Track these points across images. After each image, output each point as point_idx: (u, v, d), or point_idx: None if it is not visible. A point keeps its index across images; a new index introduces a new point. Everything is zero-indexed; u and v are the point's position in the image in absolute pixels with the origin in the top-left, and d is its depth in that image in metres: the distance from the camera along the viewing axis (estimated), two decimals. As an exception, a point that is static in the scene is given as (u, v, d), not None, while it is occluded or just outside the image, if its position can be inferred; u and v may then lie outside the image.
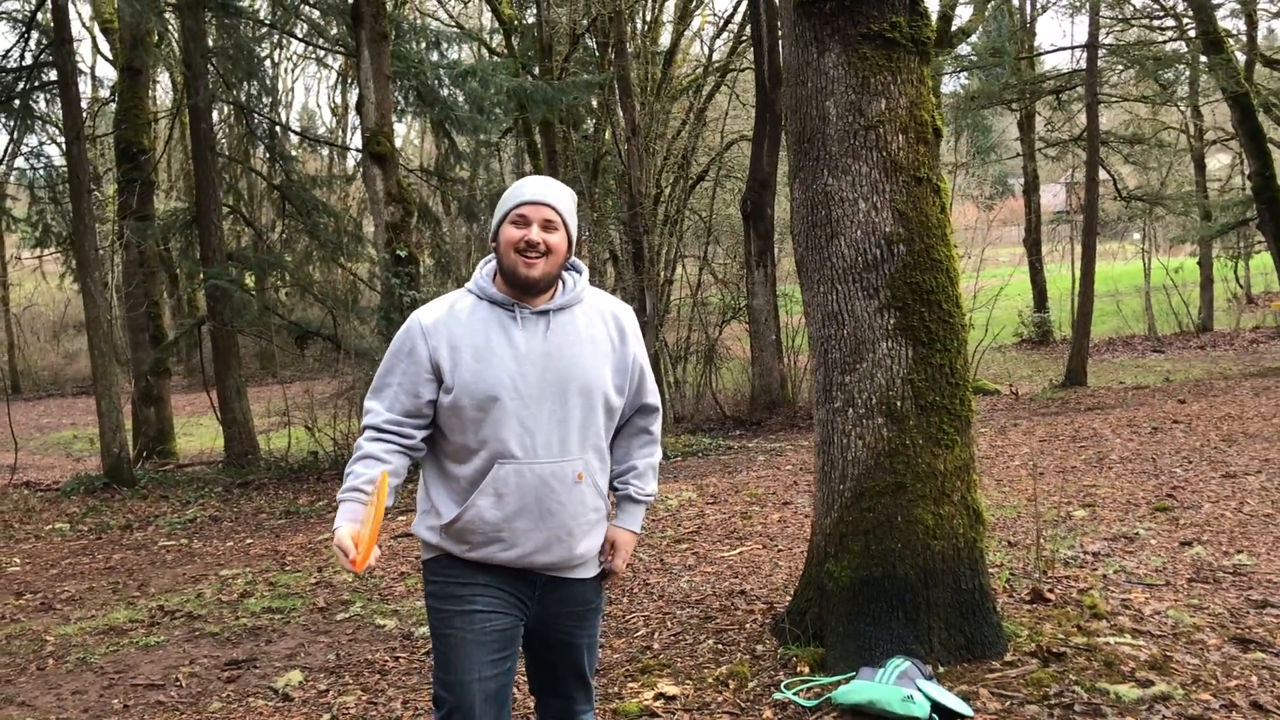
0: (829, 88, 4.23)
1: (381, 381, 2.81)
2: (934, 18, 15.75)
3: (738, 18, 23.86)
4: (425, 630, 5.42)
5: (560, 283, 2.86)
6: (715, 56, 25.17)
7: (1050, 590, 4.96)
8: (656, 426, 3.00)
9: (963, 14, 20.43)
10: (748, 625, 4.98)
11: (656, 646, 4.85)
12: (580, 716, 2.98)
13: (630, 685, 4.32)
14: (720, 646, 4.70)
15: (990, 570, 5.30)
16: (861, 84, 4.19)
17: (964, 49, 21.75)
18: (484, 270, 2.86)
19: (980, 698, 3.80)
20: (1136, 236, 33.03)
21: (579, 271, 2.91)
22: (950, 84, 25.04)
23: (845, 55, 4.20)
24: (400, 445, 2.77)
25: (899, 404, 4.22)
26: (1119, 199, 26.51)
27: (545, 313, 2.78)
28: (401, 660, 5.09)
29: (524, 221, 2.76)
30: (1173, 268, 26.98)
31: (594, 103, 21.66)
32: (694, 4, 24.23)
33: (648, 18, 23.55)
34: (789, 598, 5.05)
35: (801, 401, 15.65)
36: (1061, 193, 34.79)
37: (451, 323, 2.76)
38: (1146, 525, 6.64)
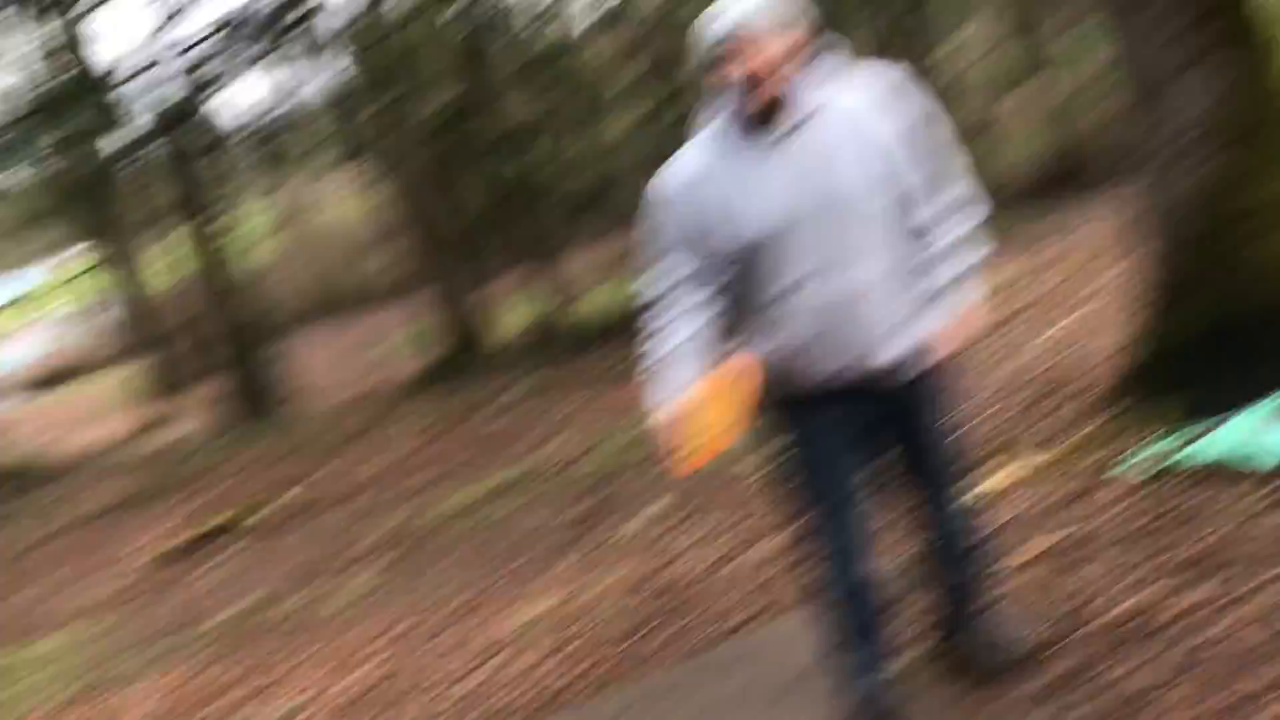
0: None
1: (650, 257, 2.82)
2: None
3: None
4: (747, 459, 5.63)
5: (805, 80, 2.62)
6: None
7: None
8: (972, 205, 2.78)
9: None
10: (1097, 388, 4.79)
11: (1013, 419, 4.82)
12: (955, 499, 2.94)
13: (990, 462, 4.31)
14: (1074, 412, 4.61)
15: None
16: None
17: None
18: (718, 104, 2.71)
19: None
20: None
21: (825, 55, 2.67)
22: None
23: None
24: (700, 299, 2.75)
25: (1230, 131, 3.89)
26: None
27: (791, 130, 2.62)
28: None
29: (722, 64, 2.58)
30: None
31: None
32: None
33: None
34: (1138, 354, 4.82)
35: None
36: None
37: (695, 179, 2.69)
38: None
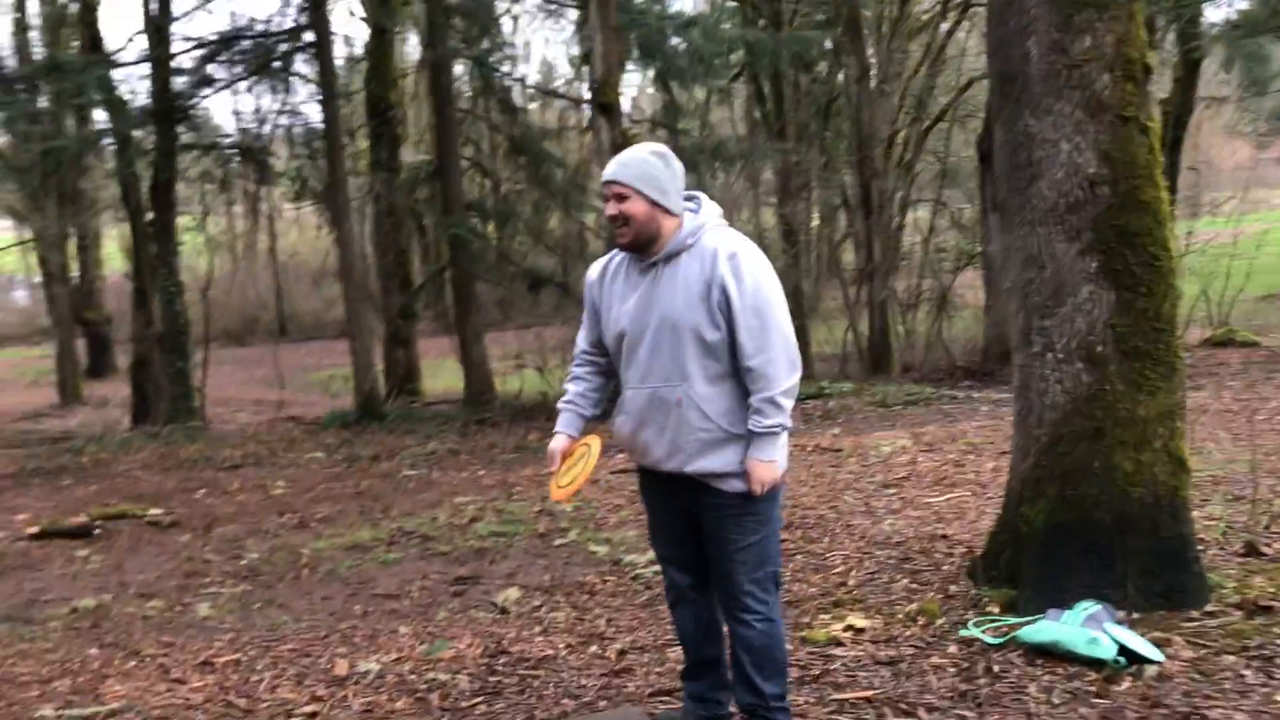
0: (1030, 26, 4.16)
1: (581, 320, 3.57)
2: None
3: (978, -49, 22.87)
4: (632, 557, 5.74)
5: (677, 228, 3.27)
6: (954, -7, 24.18)
7: (1267, 545, 4.76)
8: (761, 384, 3.19)
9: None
10: (944, 567, 5.03)
11: (851, 583, 4.98)
12: (735, 616, 3.37)
13: (821, 617, 4.48)
14: (914, 586, 4.78)
15: (1209, 522, 5.14)
16: (1065, 21, 4.09)
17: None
18: None
19: (1173, 645, 3.75)
20: None
21: (695, 211, 3.31)
22: (1218, 12, 23.21)
23: (1048, -8, 4.11)
24: (594, 365, 3.53)
25: (1100, 349, 4.16)
26: None
27: (654, 264, 3.28)
28: (609, 582, 5.42)
29: (605, 199, 3.30)
30: None
31: (827, 44, 21.35)
32: (933, -62, 23.33)
33: (886, -46, 22.88)
34: (990, 541, 5.06)
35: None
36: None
37: (605, 276, 3.44)
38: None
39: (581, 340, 3.56)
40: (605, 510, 7.13)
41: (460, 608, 5.26)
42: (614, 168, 3.29)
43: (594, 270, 3.50)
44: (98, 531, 7.95)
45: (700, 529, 3.37)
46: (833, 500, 6.82)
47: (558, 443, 3.45)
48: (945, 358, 16.98)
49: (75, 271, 25.24)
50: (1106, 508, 4.13)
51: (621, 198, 3.25)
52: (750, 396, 3.22)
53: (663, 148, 3.37)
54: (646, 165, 3.27)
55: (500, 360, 17.12)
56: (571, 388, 3.53)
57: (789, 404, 3.22)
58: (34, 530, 8.03)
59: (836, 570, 5.21)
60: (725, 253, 3.20)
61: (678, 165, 3.33)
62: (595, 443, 3.40)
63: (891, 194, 20.83)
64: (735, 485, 3.25)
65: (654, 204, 3.23)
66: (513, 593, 5.36)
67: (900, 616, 4.37)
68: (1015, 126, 4.27)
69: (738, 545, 3.30)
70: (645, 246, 3.27)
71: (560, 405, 3.53)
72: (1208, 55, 16.63)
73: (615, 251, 3.44)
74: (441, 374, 21.58)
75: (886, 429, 10.02)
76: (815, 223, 23.12)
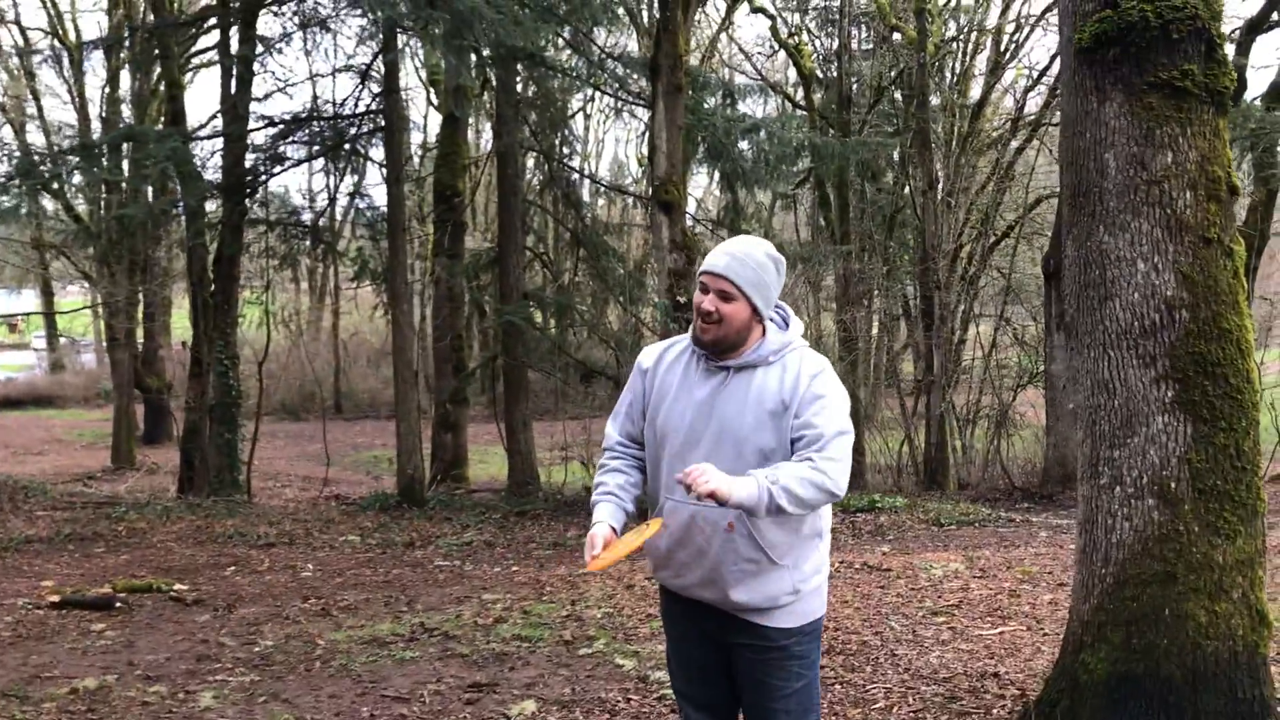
0: (1109, 139, 3.92)
1: (617, 408, 3.21)
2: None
3: (1053, 70, 22.84)
4: (661, 674, 5.40)
5: (760, 337, 2.99)
6: (1026, 109, 24.16)
7: (1355, 713, 4.32)
8: (818, 452, 2.82)
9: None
10: (994, 710, 4.64)
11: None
12: None
13: (856, 759, 4.11)
14: (960, 730, 4.40)
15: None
16: (1145, 135, 3.85)
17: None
18: None
19: (1249, 826, 3.35)
20: None
21: (784, 327, 3.00)
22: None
23: (1128, 105, 3.88)
24: (633, 459, 3.15)
25: (1173, 485, 3.83)
26: None
27: (726, 369, 2.97)
28: (633, 702, 5.09)
29: (704, 289, 2.96)
30: None
31: (895, 155, 21.32)
32: (1006, 57, 23.40)
33: (957, 69, 22.98)
34: (1045, 686, 4.67)
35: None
36: None
37: (661, 364, 3.10)
38: None
39: (616, 431, 3.18)
40: (637, 620, 6.80)
41: (472, 717, 4.95)
42: (724, 260, 2.94)
43: (648, 356, 3.14)
44: (119, 605, 7.76)
45: (732, 669, 3.00)
46: (877, 625, 6.44)
47: (600, 530, 2.96)
48: (1003, 477, 16.47)
49: (140, 338, 25.68)
50: (1177, 661, 3.75)
51: (726, 296, 2.92)
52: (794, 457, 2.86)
53: (775, 251, 3.04)
54: (762, 271, 2.95)
55: (548, 451, 16.91)
56: (611, 480, 3.10)
57: (810, 498, 2.77)
58: (54, 599, 7.87)
59: (877, 706, 4.84)
60: (809, 371, 2.92)
61: (784, 270, 3.05)
62: (654, 524, 2.96)
63: (954, 307, 20.59)
64: (781, 621, 2.91)
65: (755, 311, 2.95)
66: (529, 706, 5.03)
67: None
68: (1088, 243, 4.01)
69: (781, 693, 2.93)
70: (726, 350, 2.97)
71: (599, 496, 3.07)
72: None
73: (677, 339, 3.14)
74: (491, 460, 21.46)
75: (939, 549, 9.59)
76: (875, 331, 22.89)
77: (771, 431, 2.87)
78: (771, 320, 3.00)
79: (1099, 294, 3.98)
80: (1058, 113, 21.75)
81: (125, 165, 16.79)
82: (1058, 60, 21.08)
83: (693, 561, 2.92)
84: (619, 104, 18.89)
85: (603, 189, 26.81)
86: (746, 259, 2.93)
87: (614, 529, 2.97)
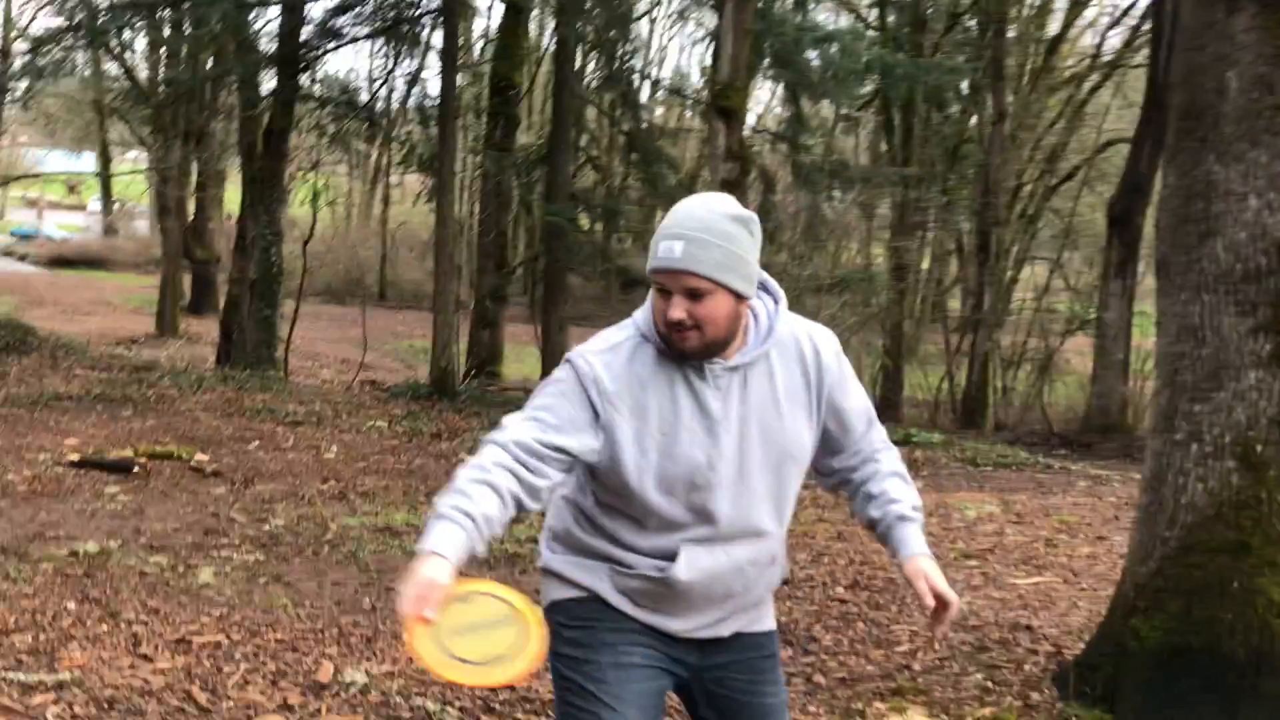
0: (1233, 55, 3.50)
1: (536, 413, 2.24)
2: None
3: (1138, 8, 21.85)
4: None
5: (753, 319, 2.25)
6: (1105, 49, 23.16)
7: None
8: (887, 449, 2.39)
9: None
10: (1026, 666, 4.37)
11: (916, 668, 4.35)
12: None
13: (877, 705, 3.87)
14: (989, 685, 4.14)
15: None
16: (1277, 54, 3.43)
17: None
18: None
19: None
20: None
21: (772, 295, 2.28)
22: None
23: (1262, 17, 3.45)
24: (557, 461, 2.25)
25: (1259, 448, 3.49)
26: None
27: (735, 368, 2.20)
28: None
29: (663, 292, 2.15)
30: None
31: (964, 86, 20.57)
32: (1090, -10, 22.40)
33: (1036, 1, 22.02)
34: (1081, 645, 4.40)
35: (1142, 430, 14.21)
36: None
37: (631, 381, 2.19)
38: None
39: (537, 432, 2.14)
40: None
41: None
42: (680, 249, 2.10)
43: (600, 370, 2.17)
44: (137, 469, 7.65)
45: (696, 706, 2.35)
46: (907, 563, 6.18)
47: (437, 571, 1.99)
48: (1042, 422, 16.10)
49: (191, 209, 25.60)
50: (1241, 638, 3.45)
51: (695, 294, 2.11)
52: (872, 466, 2.35)
53: (738, 208, 2.21)
54: (730, 243, 2.13)
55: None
56: (479, 491, 2.09)
57: None
58: (75, 458, 7.78)
59: (901, 649, 4.59)
60: (829, 349, 2.28)
61: (758, 230, 2.22)
62: (531, 617, 2.05)
63: (1009, 246, 20.03)
64: (771, 622, 2.39)
65: (740, 298, 2.16)
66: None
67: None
68: (1194, 172, 3.61)
69: (778, 700, 2.36)
70: (719, 351, 2.19)
71: (446, 510, 2.06)
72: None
73: (616, 340, 2.23)
74: (526, 360, 21.30)
75: (974, 489, 9.29)
76: (925, 264, 22.37)
77: (808, 430, 2.27)
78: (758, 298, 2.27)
79: (1199, 230, 3.60)
80: (1139, 53, 20.84)
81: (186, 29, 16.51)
82: (1149, -4, 20.08)
83: (718, 602, 2.26)
84: (685, 7, 18.29)
85: (661, 95, 26.17)
86: (707, 236, 2.11)
87: (456, 569, 2.01)
